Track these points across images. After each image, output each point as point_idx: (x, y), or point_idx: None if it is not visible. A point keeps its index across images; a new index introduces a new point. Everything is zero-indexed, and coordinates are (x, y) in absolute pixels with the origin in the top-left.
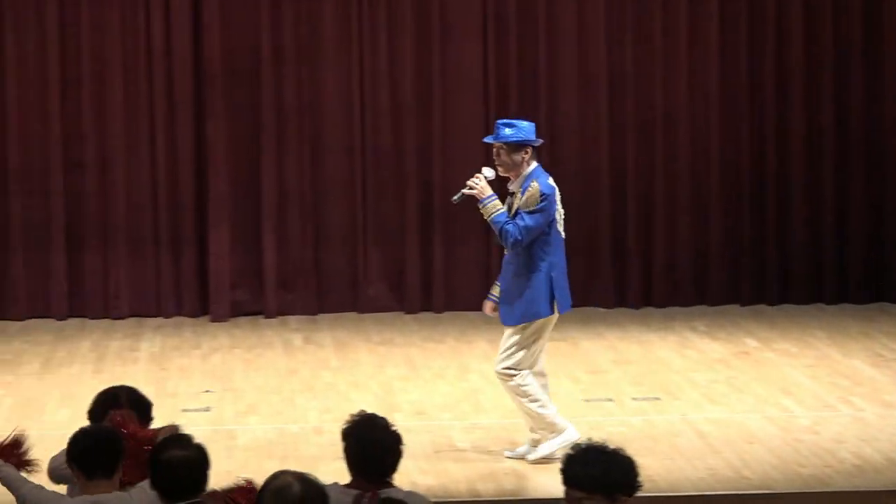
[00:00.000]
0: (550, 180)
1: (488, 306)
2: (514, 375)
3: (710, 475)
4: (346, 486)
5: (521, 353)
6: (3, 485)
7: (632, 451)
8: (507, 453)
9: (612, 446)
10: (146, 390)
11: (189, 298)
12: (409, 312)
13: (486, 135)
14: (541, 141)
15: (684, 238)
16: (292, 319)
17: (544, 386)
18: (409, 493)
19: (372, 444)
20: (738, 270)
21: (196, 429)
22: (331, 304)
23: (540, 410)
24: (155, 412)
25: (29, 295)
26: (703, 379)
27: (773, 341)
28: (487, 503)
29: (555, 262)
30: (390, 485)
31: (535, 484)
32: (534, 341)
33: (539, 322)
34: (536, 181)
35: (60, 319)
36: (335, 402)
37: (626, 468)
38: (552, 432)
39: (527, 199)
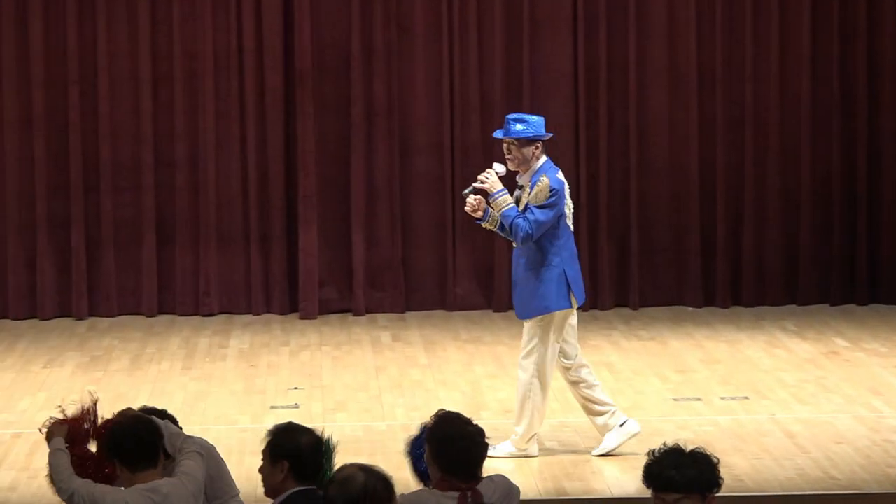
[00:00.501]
0: (560, 174)
1: (477, 200)
2: (525, 373)
3: (798, 475)
4: (436, 488)
5: (540, 350)
6: (51, 471)
7: (719, 450)
8: (595, 452)
9: (688, 447)
10: (235, 387)
11: (278, 296)
12: (497, 310)
13: (575, 130)
14: (550, 135)
15: (774, 237)
16: (381, 317)
17: (589, 374)
18: (500, 477)
19: (460, 441)
20: (828, 270)
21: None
22: (419, 302)
23: (535, 420)
24: (244, 409)
25: (119, 291)
26: (792, 379)
27: (863, 341)
28: (574, 502)
29: (566, 257)
30: (480, 480)
31: (622, 482)
32: (551, 337)
33: (554, 316)
34: (546, 175)
35: (150, 316)
36: (423, 400)
37: (712, 465)
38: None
39: (536, 193)
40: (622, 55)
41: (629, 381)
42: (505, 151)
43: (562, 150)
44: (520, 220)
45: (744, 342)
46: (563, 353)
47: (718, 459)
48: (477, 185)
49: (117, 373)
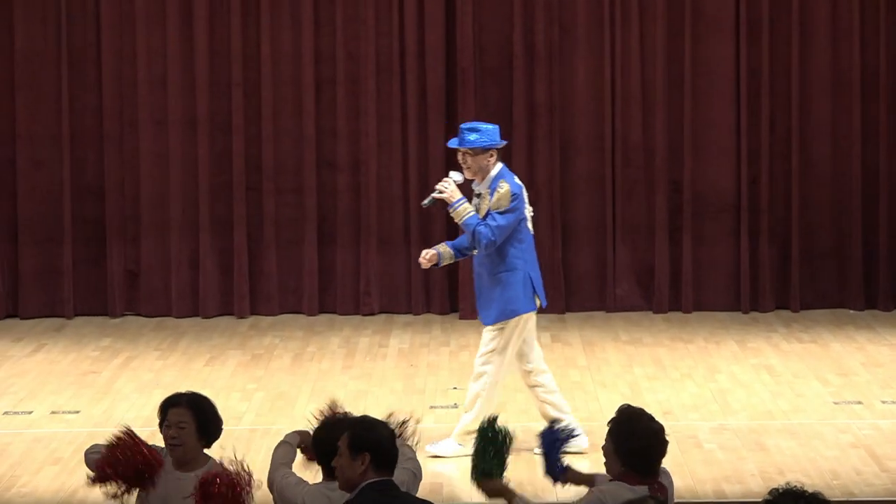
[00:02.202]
0: (517, 179)
1: (427, 255)
2: (483, 375)
3: None
4: (622, 481)
5: (502, 355)
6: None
7: (880, 454)
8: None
9: (807, 490)
10: (394, 386)
11: (438, 296)
12: (657, 312)
13: (737, 134)
14: (505, 143)
15: None
16: (540, 318)
17: (550, 380)
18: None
19: (645, 436)
20: None
21: (443, 426)
22: (579, 303)
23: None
24: (403, 408)
25: (281, 290)
26: None
27: None
28: None
29: (529, 260)
30: (659, 473)
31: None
32: (514, 340)
33: (520, 319)
34: (505, 181)
35: (311, 315)
36: (582, 401)
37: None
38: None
39: (497, 199)
40: (785, 59)
41: (789, 383)
42: (460, 161)
43: (723, 152)
44: (482, 228)
45: None
46: (523, 356)
47: None
48: (436, 195)
49: (278, 371)
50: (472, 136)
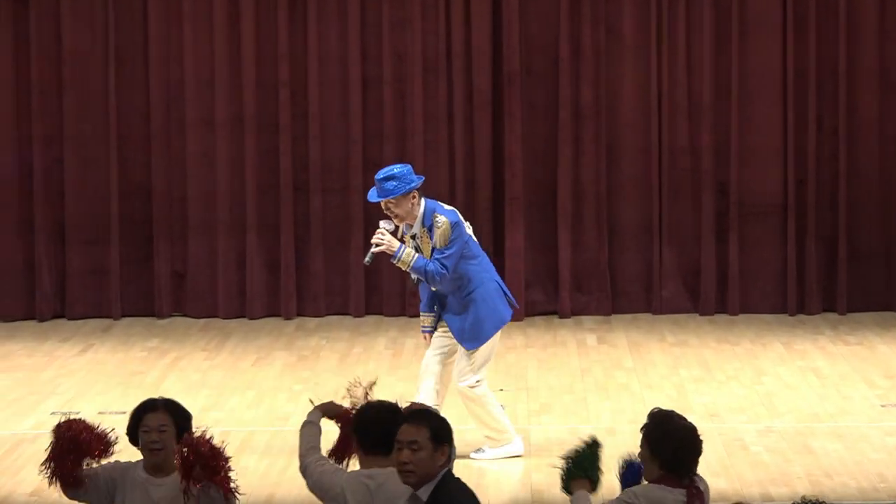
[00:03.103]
0: (446, 206)
1: (427, 339)
2: (477, 386)
3: None
4: (662, 483)
5: (483, 364)
6: (299, 440)
7: None
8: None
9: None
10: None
11: None
12: (703, 314)
13: (784, 134)
14: (423, 178)
15: None
16: (586, 319)
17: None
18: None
19: (680, 438)
20: None
21: None
22: (625, 305)
23: (503, 416)
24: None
25: (327, 291)
26: None
27: None
28: None
29: (489, 269)
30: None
31: (824, 488)
32: (490, 349)
33: (499, 331)
34: (439, 215)
35: (358, 316)
36: (628, 403)
37: None
38: (503, 440)
39: (440, 236)
40: (832, 58)
41: (836, 386)
42: (385, 211)
43: (769, 154)
44: (431, 267)
45: None
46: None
47: None
48: (375, 250)
49: (324, 372)
50: (391, 185)
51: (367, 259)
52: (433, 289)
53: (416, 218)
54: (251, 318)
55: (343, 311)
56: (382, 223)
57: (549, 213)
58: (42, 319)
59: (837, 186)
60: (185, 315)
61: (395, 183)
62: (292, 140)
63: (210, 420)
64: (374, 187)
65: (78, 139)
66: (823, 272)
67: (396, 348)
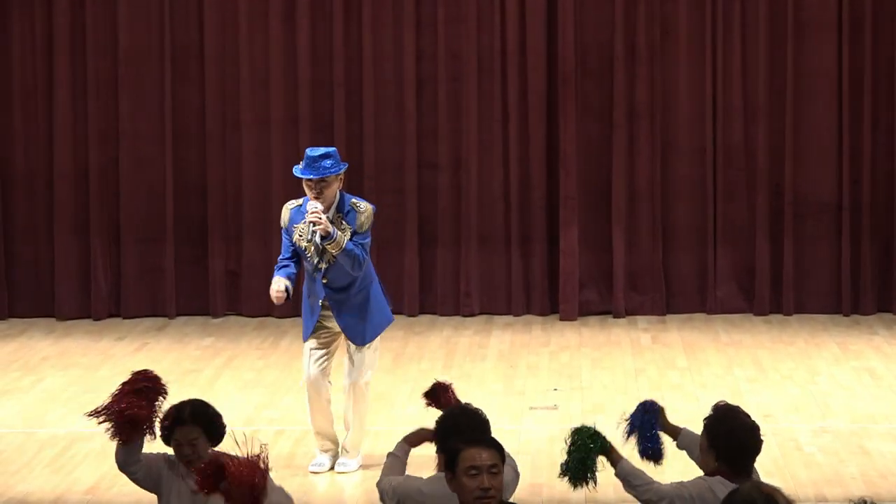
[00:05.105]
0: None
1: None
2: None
3: None
4: (719, 475)
5: (376, 361)
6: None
7: None
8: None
9: None
10: (493, 388)
11: (538, 297)
12: (758, 314)
13: (839, 134)
14: (346, 165)
15: None
16: (640, 319)
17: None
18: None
19: (743, 434)
20: None
21: (544, 427)
22: (679, 305)
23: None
24: (503, 409)
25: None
26: None
27: None
28: None
29: (373, 268)
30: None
31: (879, 489)
32: (377, 344)
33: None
34: (359, 201)
35: (411, 316)
36: (682, 403)
37: None
38: (357, 451)
39: (364, 220)
40: (887, 58)
41: (891, 386)
42: (315, 192)
43: (824, 154)
44: (358, 250)
45: None
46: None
47: None
48: (318, 230)
49: (378, 372)
50: (328, 163)
51: (310, 239)
52: (354, 274)
53: (331, 203)
54: None
55: (397, 311)
56: (313, 204)
57: (604, 213)
58: (97, 318)
59: (892, 186)
60: (239, 314)
61: (331, 161)
62: (347, 139)
63: (264, 419)
64: (304, 164)
65: (133, 138)
66: (878, 272)
67: (450, 348)
